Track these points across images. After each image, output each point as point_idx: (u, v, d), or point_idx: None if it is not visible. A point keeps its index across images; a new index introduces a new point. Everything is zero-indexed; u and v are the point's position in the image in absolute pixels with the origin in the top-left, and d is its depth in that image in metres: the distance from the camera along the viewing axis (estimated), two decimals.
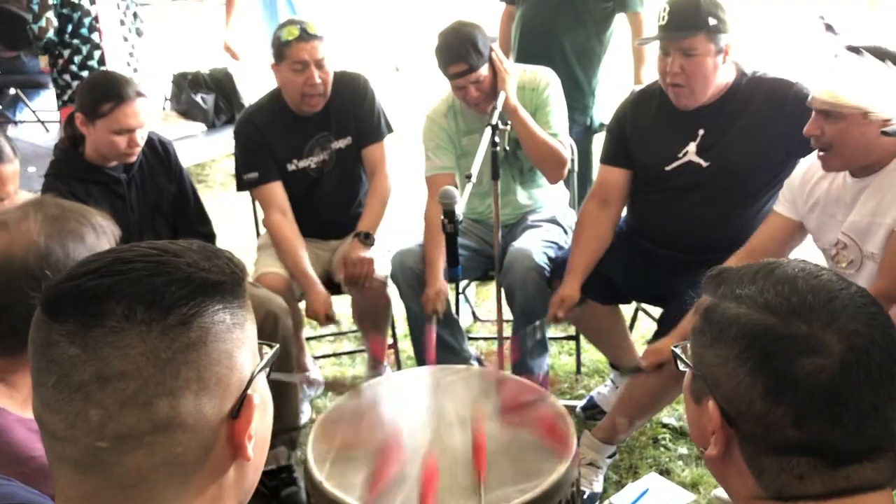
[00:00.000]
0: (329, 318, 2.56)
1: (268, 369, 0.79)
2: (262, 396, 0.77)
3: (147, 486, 0.69)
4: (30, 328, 1.08)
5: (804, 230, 2.12)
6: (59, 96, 3.97)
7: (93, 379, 0.66)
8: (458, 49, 2.45)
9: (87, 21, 3.74)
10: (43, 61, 4.13)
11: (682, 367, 0.92)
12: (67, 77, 3.81)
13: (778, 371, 0.79)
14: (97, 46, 3.79)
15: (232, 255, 0.76)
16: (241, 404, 0.72)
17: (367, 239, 2.61)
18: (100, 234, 1.19)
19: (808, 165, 2.07)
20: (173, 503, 0.70)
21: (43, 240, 1.13)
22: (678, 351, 0.93)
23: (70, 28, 3.73)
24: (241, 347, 0.73)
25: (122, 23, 3.90)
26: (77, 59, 3.79)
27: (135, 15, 4.01)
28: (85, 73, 3.78)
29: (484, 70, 2.48)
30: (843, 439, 0.79)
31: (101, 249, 1.16)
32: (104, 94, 2.24)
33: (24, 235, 1.13)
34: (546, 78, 2.62)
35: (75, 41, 3.76)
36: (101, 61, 3.82)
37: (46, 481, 1.02)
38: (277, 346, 0.81)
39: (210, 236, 2.63)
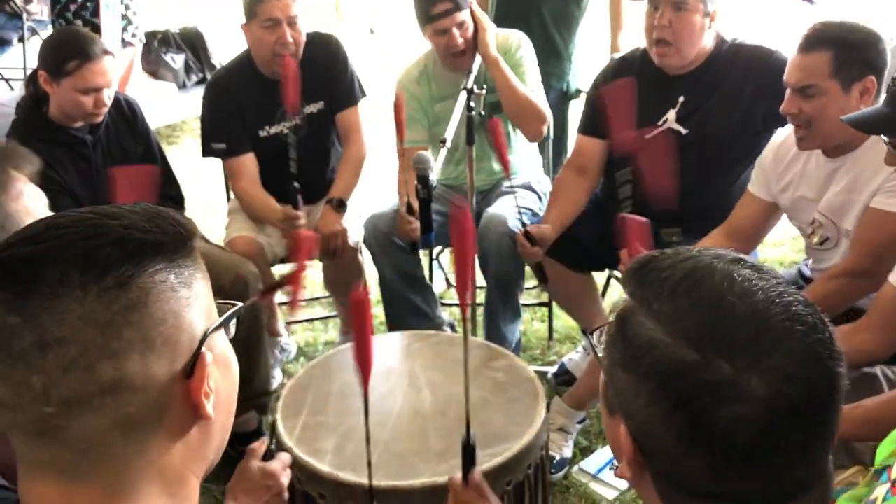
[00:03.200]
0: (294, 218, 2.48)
1: (230, 327, 0.79)
2: (220, 354, 0.77)
3: (103, 447, 0.68)
4: None
5: (779, 210, 2.13)
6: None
7: (33, 346, 0.65)
8: None
9: None
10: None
11: (594, 347, 0.86)
12: (63, 22, 3.82)
13: (694, 418, 0.70)
14: None
15: (179, 215, 0.75)
16: (195, 363, 0.72)
17: (340, 206, 2.58)
18: (15, 177, 1.20)
19: (779, 145, 2.07)
20: (136, 462, 0.70)
21: None
22: (593, 339, 0.86)
23: None
24: (189, 307, 0.72)
25: None
26: (73, 6, 3.80)
27: None
28: (79, 22, 3.81)
29: (466, 16, 2.46)
30: (767, 487, 0.72)
31: (19, 192, 1.14)
32: (69, 51, 2.17)
33: None
34: (517, 40, 2.60)
35: None
36: (95, 13, 3.83)
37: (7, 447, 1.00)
38: (239, 304, 0.80)
39: (178, 199, 2.58)
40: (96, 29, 3.86)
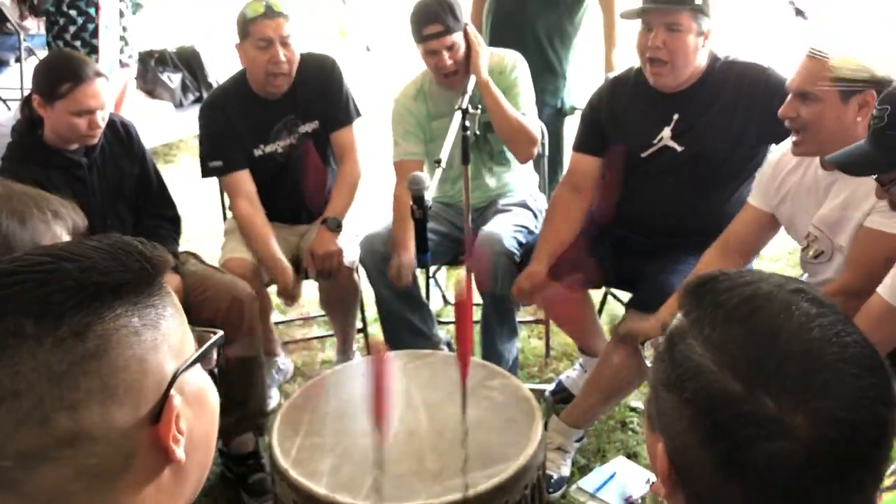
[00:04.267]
0: (294, 298, 2.58)
1: (210, 357, 0.76)
2: (194, 391, 0.73)
3: (67, 498, 0.65)
4: None
5: (777, 221, 2.13)
6: None
7: None
8: (436, 10, 2.46)
9: None
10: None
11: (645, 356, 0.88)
12: (60, 44, 3.87)
13: (732, 452, 0.69)
14: (92, 20, 3.86)
15: (148, 246, 0.71)
16: (162, 407, 0.68)
17: (335, 226, 2.59)
18: (52, 221, 1.14)
19: (779, 157, 2.08)
20: None
21: None
22: (644, 350, 0.87)
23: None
24: (155, 349, 0.68)
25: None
26: (72, 28, 3.85)
27: None
28: (77, 44, 3.85)
29: (459, 38, 2.48)
30: None
31: (53, 236, 1.13)
32: (62, 74, 2.17)
33: None
34: (512, 60, 2.61)
35: (72, 12, 3.83)
36: (94, 34, 3.88)
37: None
38: (220, 333, 0.77)
39: (175, 219, 2.57)
40: (94, 50, 3.89)
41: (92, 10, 3.85)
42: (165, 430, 0.69)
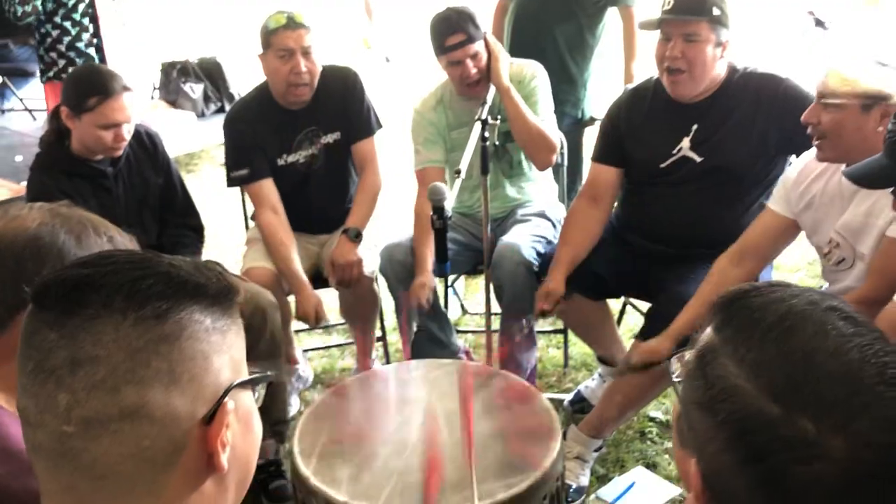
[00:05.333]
0: (319, 319, 2.56)
1: (258, 392, 0.80)
2: (244, 412, 0.77)
3: (116, 479, 0.69)
4: (9, 308, 1.09)
5: (797, 228, 2.13)
6: (43, 72, 4.06)
7: (65, 363, 0.68)
8: (458, 20, 2.48)
9: (80, 7, 3.86)
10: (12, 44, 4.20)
11: (672, 374, 0.84)
12: (54, 55, 3.90)
13: (769, 474, 0.68)
14: (86, 29, 3.91)
15: (227, 272, 0.78)
16: (216, 410, 0.72)
17: (356, 237, 2.61)
18: (106, 243, 1.17)
19: (805, 164, 2.07)
20: (146, 501, 0.71)
21: (35, 226, 1.13)
22: (672, 366, 0.84)
23: (62, 12, 3.83)
24: (219, 352, 0.73)
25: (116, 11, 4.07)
26: (66, 39, 3.88)
27: None
28: (72, 54, 3.89)
29: (480, 47, 2.51)
30: None
31: None
32: (90, 87, 2.22)
33: (20, 221, 1.14)
34: (532, 70, 2.63)
35: (66, 23, 3.85)
36: (90, 44, 3.93)
37: (29, 477, 1.02)
38: (271, 374, 0.82)
39: (198, 228, 2.61)
40: (90, 60, 3.96)
41: (86, 21, 3.90)
42: (215, 433, 0.72)
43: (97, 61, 3.97)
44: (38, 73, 4.59)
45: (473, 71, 2.50)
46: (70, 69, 3.92)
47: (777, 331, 0.71)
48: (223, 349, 0.74)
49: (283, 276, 2.59)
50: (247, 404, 0.78)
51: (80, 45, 3.89)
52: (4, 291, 1.10)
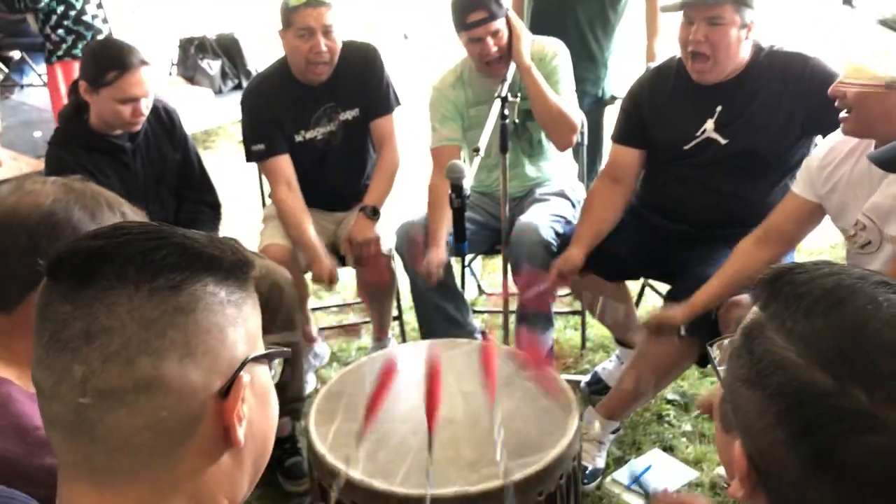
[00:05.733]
0: (332, 282, 2.56)
1: (272, 367, 0.80)
2: (260, 386, 0.77)
3: (132, 450, 0.69)
4: (24, 284, 1.08)
5: (822, 212, 2.09)
6: (51, 52, 4.01)
7: (80, 334, 0.68)
8: None
9: None
10: (31, 19, 4.18)
11: (718, 383, 0.80)
12: (62, 32, 3.88)
13: (822, 447, 0.66)
14: (88, 1, 3.89)
15: (242, 246, 0.77)
16: (231, 384, 0.72)
17: (373, 214, 2.59)
18: (119, 219, 1.17)
19: (829, 147, 2.04)
20: (167, 475, 0.70)
21: (49, 202, 1.13)
22: (712, 352, 0.82)
23: None
24: (234, 325, 0.73)
25: None
26: (72, 13, 3.86)
27: None
28: (80, 28, 3.88)
29: (502, 25, 2.47)
30: None
31: None
32: (108, 62, 2.21)
33: (34, 197, 1.14)
34: (553, 48, 2.59)
35: None
36: (96, 15, 3.92)
37: (43, 454, 1.02)
38: (287, 349, 0.81)
39: (215, 205, 2.61)
40: (99, 33, 3.94)
41: None
42: (231, 406, 0.72)
43: (106, 34, 3.96)
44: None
45: (494, 49, 2.47)
46: (80, 44, 3.91)
47: (826, 303, 0.69)
48: (238, 322, 0.73)
49: (298, 245, 2.59)
50: (263, 379, 0.78)
51: (87, 17, 3.87)
52: (19, 268, 1.10)
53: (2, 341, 1.14)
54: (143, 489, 0.70)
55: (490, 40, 2.46)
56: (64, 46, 3.88)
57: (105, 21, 3.98)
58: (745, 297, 2.08)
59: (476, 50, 2.50)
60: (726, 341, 0.78)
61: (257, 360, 0.76)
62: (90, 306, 0.68)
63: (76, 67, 3.98)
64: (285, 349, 0.81)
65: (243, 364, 0.73)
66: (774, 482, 0.71)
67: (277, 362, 0.81)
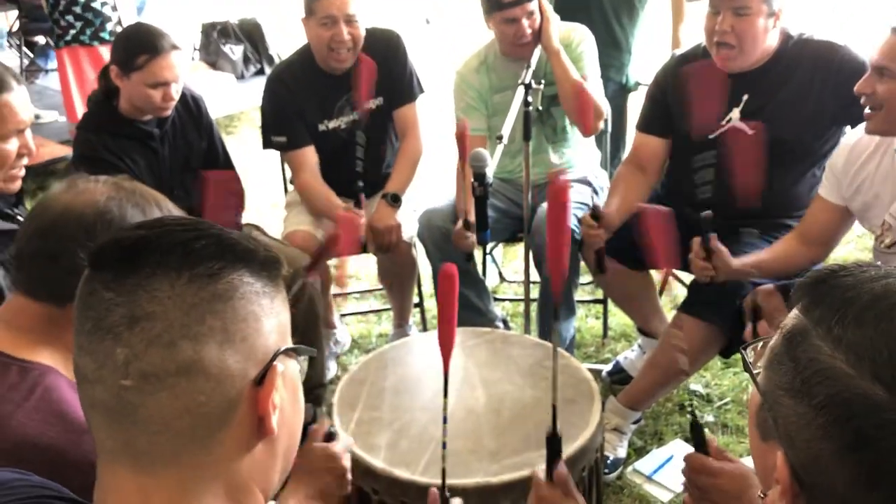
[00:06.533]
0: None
1: (303, 364, 0.81)
2: (291, 379, 0.79)
3: (172, 434, 0.71)
4: (79, 279, 1.11)
5: (850, 213, 2.06)
6: (60, 37, 4.02)
7: (123, 320, 0.70)
8: None
9: None
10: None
11: (750, 365, 0.78)
12: (70, 18, 3.90)
13: (875, 462, 0.63)
14: None
15: (272, 248, 0.80)
16: (266, 373, 0.74)
17: (395, 201, 2.59)
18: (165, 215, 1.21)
19: (850, 148, 2.00)
20: (204, 459, 0.72)
21: (103, 199, 1.17)
22: (747, 355, 0.80)
23: None
24: (268, 316, 0.75)
25: None
26: (81, 0, 3.85)
27: None
28: (89, 15, 3.89)
29: (535, 6, 2.44)
30: None
31: None
32: (139, 46, 2.22)
33: (88, 194, 1.18)
34: (580, 35, 2.57)
35: None
36: (105, 2, 3.93)
37: (82, 441, 1.04)
38: (314, 350, 0.84)
39: (239, 193, 2.61)
40: (108, 20, 3.93)
41: None
42: (265, 394, 0.74)
43: (115, 21, 3.97)
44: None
45: (528, 31, 2.44)
46: (88, 31, 3.93)
47: (876, 310, 0.66)
48: (272, 314, 0.76)
49: (326, 214, 2.59)
50: (293, 372, 0.80)
51: (96, 4, 3.88)
52: (76, 264, 1.11)
53: (53, 332, 1.17)
54: (183, 473, 0.72)
55: (525, 21, 2.43)
56: (72, 32, 3.90)
57: (115, 9, 3.99)
58: (770, 287, 2.06)
59: (510, 31, 2.46)
60: (760, 344, 0.76)
61: (288, 352, 0.78)
62: (133, 293, 0.70)
63: (83, 54, 4.01)
64: (313, 347, 0.84)
65: (276, 354, 0.75)
66: (820, 495, 0.68)
67: (304, 360, 0.82)
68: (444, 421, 1.33)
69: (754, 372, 0.77)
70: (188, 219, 0.78)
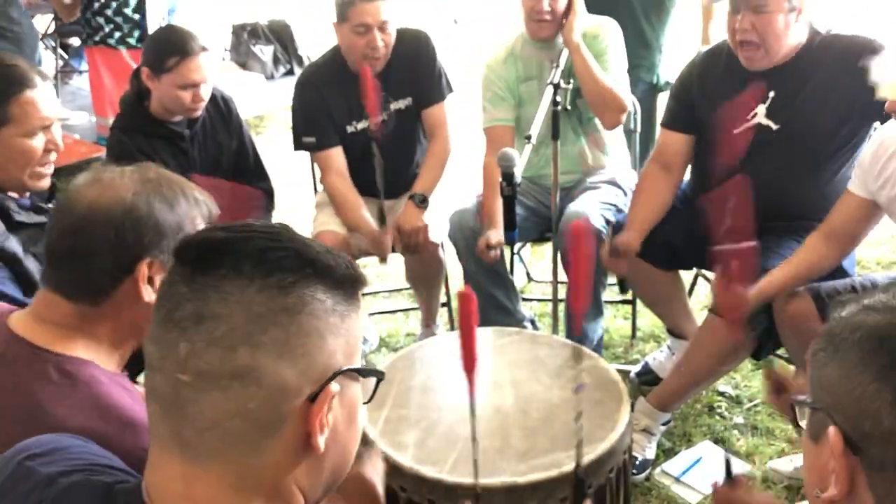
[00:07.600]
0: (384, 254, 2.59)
1: (368, 389, 0.82)
2: (350, 401, 0.79)
3: (221, 433, 0.72)
4: (112, 278, 1.13)
5: (878, 208, 2.04)
6: (89, 36, 4.12)
7: (191, 315, 0.72)
8: None
9: None
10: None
11: (799, 417, 0.85)
12: (101, 20, 3.98)
13: None
14: None
15: (355, 264, 0.79)
16: (321, 391, 0.74)
17: (422, 202, 2.60)
18: (193, 205, 1.20)
19: (879, 143, 1.98)
20: (251, 460, 0.73)
21: (130, 195, 1.15)
22: (798, 414, 0.86)
23: None
24: (335, 335, 0.75)
25: None
26: (113, 4, 3.96)
27: None
28: (119, 20, 3.97)
29: None
30: None
31: (193, 222, 1.18)
32: (169, 48, 2.25)
33: (114, 190, 1.16)
34: (608, 28, 2.56)
35: None
36: (137, 9, 3.99)
37: (124, 434, 1.05)
38: (383, 371, 0.84)
39: (269, 192, 2.65)
40: (137, 25, 3.99)
41: None
42: (316, 411, 0.74)
43: (143, 28, 4.03)
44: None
45: (547, 8, 2.44)
46: (116, 34, 4.01)
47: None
48: (340, 333, 0.76)
49: (353, 226, 2.60)
50: (354, 394, 0.80)
51: (127, 10, 3.96)
52: (106, 262, 1.13)
53: (86, 328, 1.17)
54: (228, 469, 0.73)
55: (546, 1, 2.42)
56: (101, 34, 3.99)
57: (143, 17, 4.07)
58: (802, 290, 2.04)
59: (529, 4, 2.46)
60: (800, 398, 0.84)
61: (350, 375, 0.77)
62: (204, 291, 0.72)
63: (109, 55, 4.09)
64: (380, 370, 0.83)
65: (335, 374, 0.75)
66: (870, 444, 0.73)
67: (371, 381, 0.83)
68: (473, 439, 1.31)
69: (804, 398, 0.84)
70: (273, 226, 0.78)
